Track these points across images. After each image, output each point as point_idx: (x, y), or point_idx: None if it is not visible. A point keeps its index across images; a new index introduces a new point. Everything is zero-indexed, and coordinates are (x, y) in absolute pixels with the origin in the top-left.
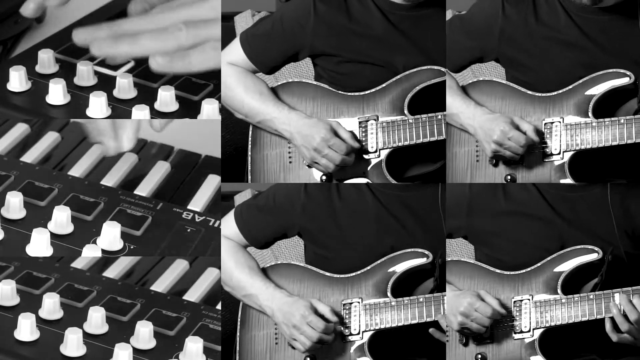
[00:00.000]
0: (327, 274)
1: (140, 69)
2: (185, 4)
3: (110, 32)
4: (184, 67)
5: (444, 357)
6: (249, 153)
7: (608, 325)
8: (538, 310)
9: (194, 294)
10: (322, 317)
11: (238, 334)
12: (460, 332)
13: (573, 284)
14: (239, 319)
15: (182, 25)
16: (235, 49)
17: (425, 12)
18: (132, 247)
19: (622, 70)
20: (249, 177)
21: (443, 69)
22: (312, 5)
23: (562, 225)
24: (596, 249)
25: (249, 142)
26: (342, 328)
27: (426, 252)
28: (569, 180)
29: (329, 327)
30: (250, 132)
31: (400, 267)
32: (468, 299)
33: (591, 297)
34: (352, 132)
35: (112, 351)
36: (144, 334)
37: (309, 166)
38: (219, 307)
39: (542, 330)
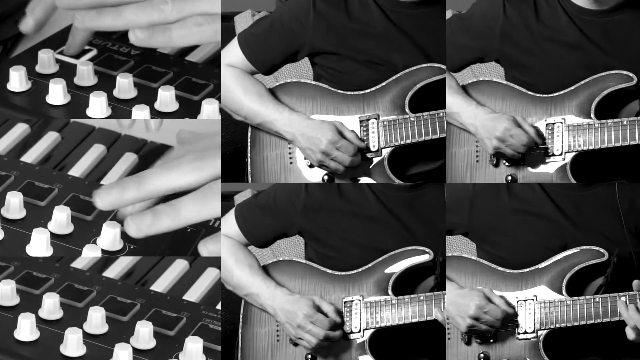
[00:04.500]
0: (329, 271)
1: (141, 68)
2: None
3: (93, 2)
4: (165, 42)
5: (444, 356)
6: (248, 155)
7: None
8: (542, 310)
9: (194, 294)
10: (325, 315)
11: (240, 331)
12: (469, 333)
13: (577, 284)
14: (240, 316)
15: None
16: (234, 50)
17: (426, 10)
18: (132, 247)
19: (625, 72)
20: (249, 179)
21: (443, 67)
22: (312, 3)
23: (566, 225)
24: (602, 250)
25: (248, 144)
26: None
27: (427, 249)
28: (570, 181)
29: (334, 322)
30: (249, 134)
31: (401, 265)
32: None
33: (597, 299)
34: (354, 132)
35: (112, 351)
36: (144, 334)
37: (311, 166)
38: (219, 307)
39: (546, 331)
